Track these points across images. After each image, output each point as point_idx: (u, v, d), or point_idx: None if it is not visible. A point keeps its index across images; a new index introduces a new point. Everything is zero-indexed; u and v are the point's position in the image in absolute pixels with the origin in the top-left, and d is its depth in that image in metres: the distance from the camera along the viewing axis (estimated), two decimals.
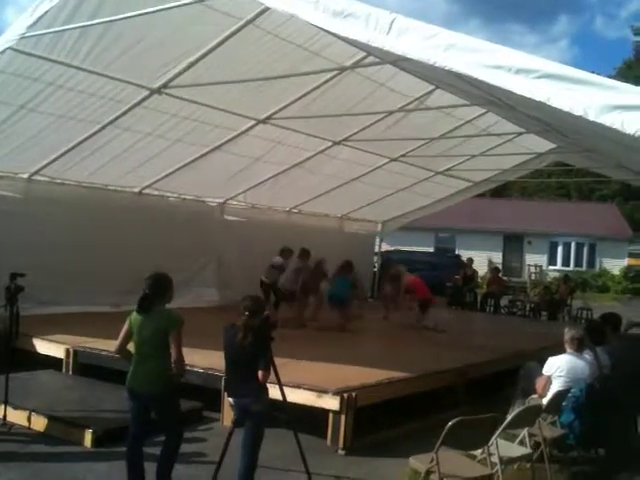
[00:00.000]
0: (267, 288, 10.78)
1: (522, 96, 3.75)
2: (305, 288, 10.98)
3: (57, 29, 6.39)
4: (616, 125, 3.38)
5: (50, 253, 9.23)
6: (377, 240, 17.20)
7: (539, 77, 3.61)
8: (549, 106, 3.66)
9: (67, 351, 7.52)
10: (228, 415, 5.80)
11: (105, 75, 7.47)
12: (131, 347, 4.53)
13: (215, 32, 7.13)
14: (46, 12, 6.21)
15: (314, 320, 10.98)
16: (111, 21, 6.29)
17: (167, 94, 8.10)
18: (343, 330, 10.27)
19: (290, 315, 10.40)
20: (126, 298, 8.84)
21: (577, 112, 3.51)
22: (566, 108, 3.56)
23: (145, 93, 8.04)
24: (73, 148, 8.89)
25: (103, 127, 8.57)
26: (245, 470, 4.42)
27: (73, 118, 8.19)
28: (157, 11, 5.86)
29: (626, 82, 3.65)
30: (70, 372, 7.46)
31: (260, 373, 4.37)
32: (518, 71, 3.67)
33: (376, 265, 17.26)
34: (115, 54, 7.15)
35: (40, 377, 7.27)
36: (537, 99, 3.65)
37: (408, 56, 4.13)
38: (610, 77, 3.89)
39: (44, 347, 7.75)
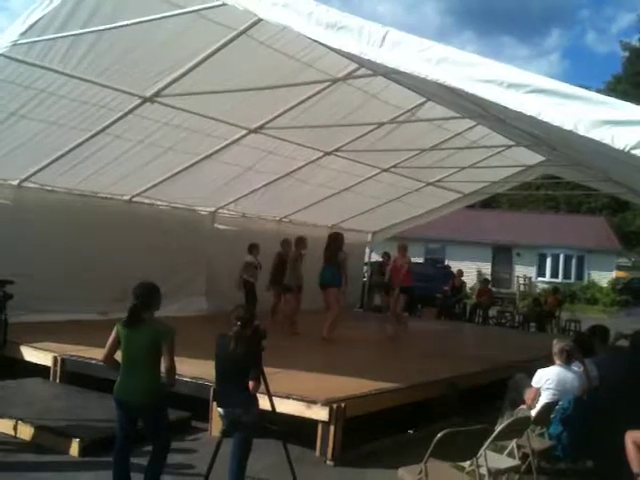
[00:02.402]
0: (252, 288, 10.82)
1: (513, 110, 3.79)
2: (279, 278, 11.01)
3: (50, 37, 6.38)
4: (606, 140, 3.42)
5: (39, 260, 9.19)
6: (367, 250, 17.21)
7: (530, 92, 3.65)
8: (540, 120, 3.70)
9: (55, 359, 7.45)
10: (216, 425, 5.77)
11: (97, 83, 7.45)
12: (118, 356, 4.50)
13: (208, 42, 7.14)
14: (39, 19, 6.18)
15: (293, 324, 10.79)
16: (104, 30, 6.28)
17: (159, 102, 8.10)
18: (336, 323, 9.98)
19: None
20: (114, 306, 8.83)
21: (567, 127, 3.55)
22: (556, 122, 3.60)
23: (137, 101, 8.03)
24: (64, 155, 8.85)
25: (94, 135, 8.54)
26: None
27: (64, 125, 8.16)
28: (150, 20, 5.87)
29: (615, 96, 3.69)
30: (58, 380, 7.38)
31: (250, 383, 4.36)
32: (509, 86, 3.71)
33: (365, 275, 17.28)
34: (108, 62, 7.15)
35: (27, 385, 7.19)
36: (528, 113, 3.69)
37: (401, 69, 4.16)
38: (599, 91, 3.93)
39: (32, 355, 7.67)
